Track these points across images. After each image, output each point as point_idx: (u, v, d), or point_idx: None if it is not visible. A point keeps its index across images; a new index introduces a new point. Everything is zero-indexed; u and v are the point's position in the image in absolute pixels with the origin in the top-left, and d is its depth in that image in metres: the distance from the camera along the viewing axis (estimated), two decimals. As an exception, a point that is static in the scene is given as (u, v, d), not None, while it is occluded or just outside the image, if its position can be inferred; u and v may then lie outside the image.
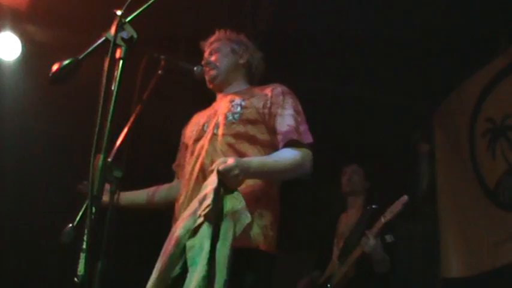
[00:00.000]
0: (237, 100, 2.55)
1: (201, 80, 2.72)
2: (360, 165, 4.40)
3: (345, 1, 3.96)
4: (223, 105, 2.57)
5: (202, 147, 2.48)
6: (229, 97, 2.62)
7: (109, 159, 1.76)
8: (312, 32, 4.24)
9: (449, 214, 4.79)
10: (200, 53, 2.84)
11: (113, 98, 1.72)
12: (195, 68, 2.67)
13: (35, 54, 4.42)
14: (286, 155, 2.40)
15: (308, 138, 2.48)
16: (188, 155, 2.61)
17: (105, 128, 1.71)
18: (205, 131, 2.55)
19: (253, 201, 2.33)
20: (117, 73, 1.74)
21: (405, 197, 3.67)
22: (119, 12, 1.81)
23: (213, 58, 2.72)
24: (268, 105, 2.51)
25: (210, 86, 2.74)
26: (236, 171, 2.16)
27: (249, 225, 2.20)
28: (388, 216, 3.65)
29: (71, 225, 1.89)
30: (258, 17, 4.23)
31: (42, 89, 4.35)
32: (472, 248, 4.41)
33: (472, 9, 3.95)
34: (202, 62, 2.73)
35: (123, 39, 1.79)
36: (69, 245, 1.81)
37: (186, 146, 2.68)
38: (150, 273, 2.54)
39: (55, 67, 1.85)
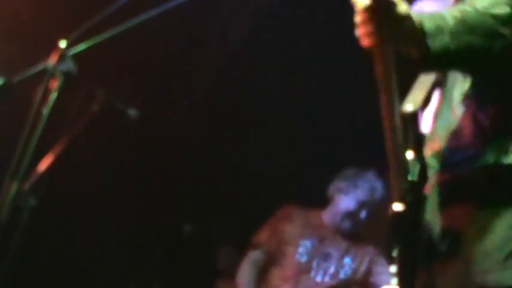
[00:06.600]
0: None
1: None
2: None
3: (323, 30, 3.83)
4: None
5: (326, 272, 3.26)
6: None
7: (26, 186, 1.74)
8: (288, 51, 4.13)
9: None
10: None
11: (41, 126, 1.69)
12: (130, 112, 2.52)
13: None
14: None
15: None
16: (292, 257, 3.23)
17: (27, 155, 1.69)
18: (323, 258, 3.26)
19: None
20: (49, 104, 1.71)
21: None
22: (62, 45, 1.76)
23: None
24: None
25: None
26: None
27: None
28: None
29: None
30: (229, 37, 4.21)
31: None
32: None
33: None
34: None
35: (61, 72, 1.73)
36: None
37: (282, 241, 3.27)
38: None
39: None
